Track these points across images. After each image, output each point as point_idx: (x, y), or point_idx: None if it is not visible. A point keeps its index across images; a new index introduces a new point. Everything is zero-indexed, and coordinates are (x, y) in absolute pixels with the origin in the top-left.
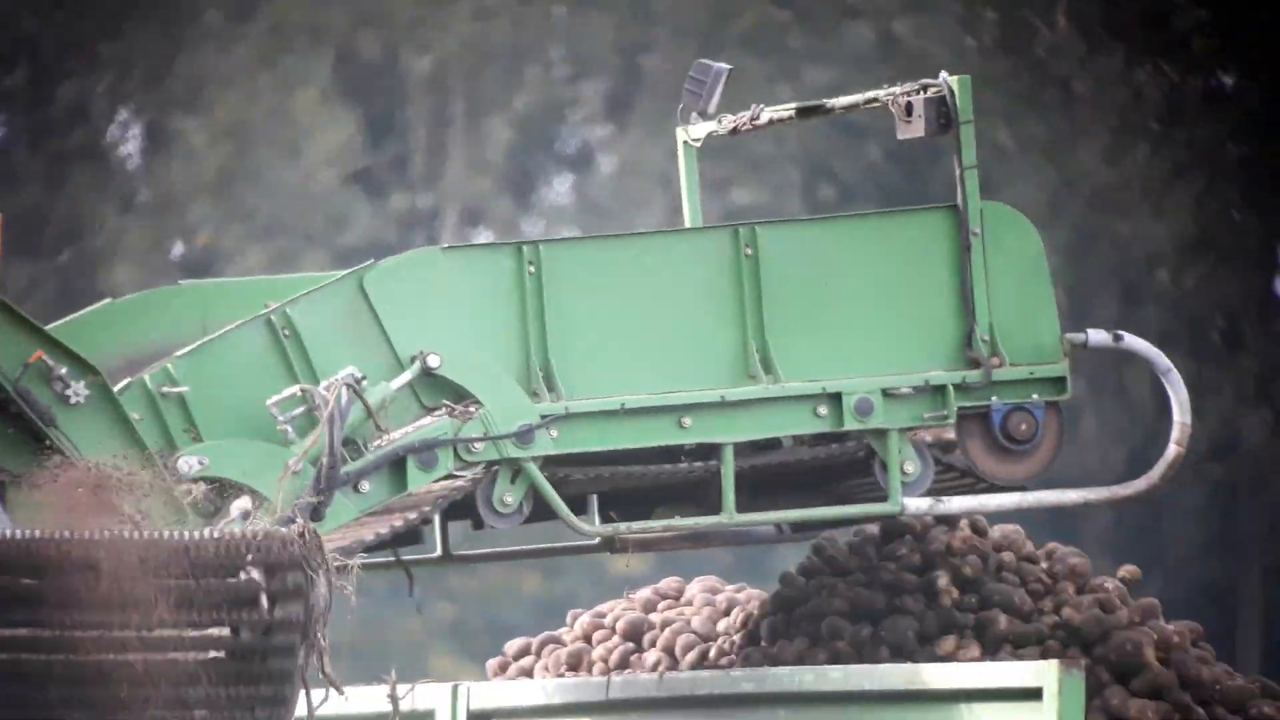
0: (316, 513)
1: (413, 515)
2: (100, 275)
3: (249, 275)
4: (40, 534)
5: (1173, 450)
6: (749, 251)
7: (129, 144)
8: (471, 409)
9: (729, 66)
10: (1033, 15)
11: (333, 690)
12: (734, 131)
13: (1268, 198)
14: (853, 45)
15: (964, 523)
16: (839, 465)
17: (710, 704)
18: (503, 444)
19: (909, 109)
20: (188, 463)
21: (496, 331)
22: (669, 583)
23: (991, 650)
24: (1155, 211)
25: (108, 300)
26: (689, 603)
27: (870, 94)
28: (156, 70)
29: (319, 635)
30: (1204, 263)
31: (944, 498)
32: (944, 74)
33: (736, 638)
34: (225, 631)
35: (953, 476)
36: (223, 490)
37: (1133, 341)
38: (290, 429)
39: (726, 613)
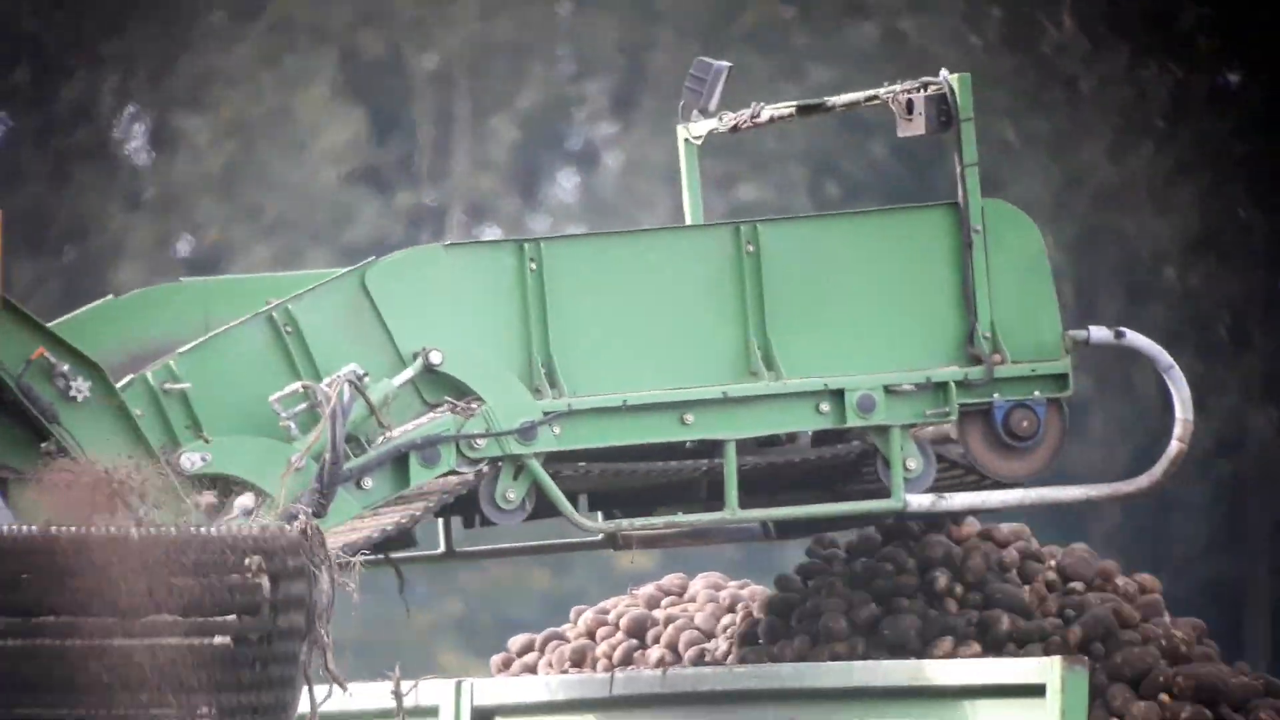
0: (319, 509)
1: (418, 510)
2: (105, 273)
3: (254, 273)
4: (42, 531)
5: (1175, 447)
6: (750, 249)
7: (134, 142)
8: (474, 405)
9: (729, 64)
10: (1038, 13)
11: (336, 686)
12: (735, 129)
13: (1273, 195)
14: (857, 43)
15: (966, 521)
16: (840, 465)
17: (713, 700)
18: (505, 440)
19: (910, 107)
20: (190, 459)
21: (498, 328)
22: (672, 579)
23: (994, 650)
24: (1160, 209)
25: (109, 297)
26: (692, 599)
27: (871, 92)
28: (161, 68)
29: (322, 631)
30: (1209, 260)
31: (946, 494)
32: (944, 72)
33: (735, 637)
34: (227, 628)
35: (957, 474)
36: (225, 487)
37: (1134, 338)
38: (293, 425)
39: (730, 609)
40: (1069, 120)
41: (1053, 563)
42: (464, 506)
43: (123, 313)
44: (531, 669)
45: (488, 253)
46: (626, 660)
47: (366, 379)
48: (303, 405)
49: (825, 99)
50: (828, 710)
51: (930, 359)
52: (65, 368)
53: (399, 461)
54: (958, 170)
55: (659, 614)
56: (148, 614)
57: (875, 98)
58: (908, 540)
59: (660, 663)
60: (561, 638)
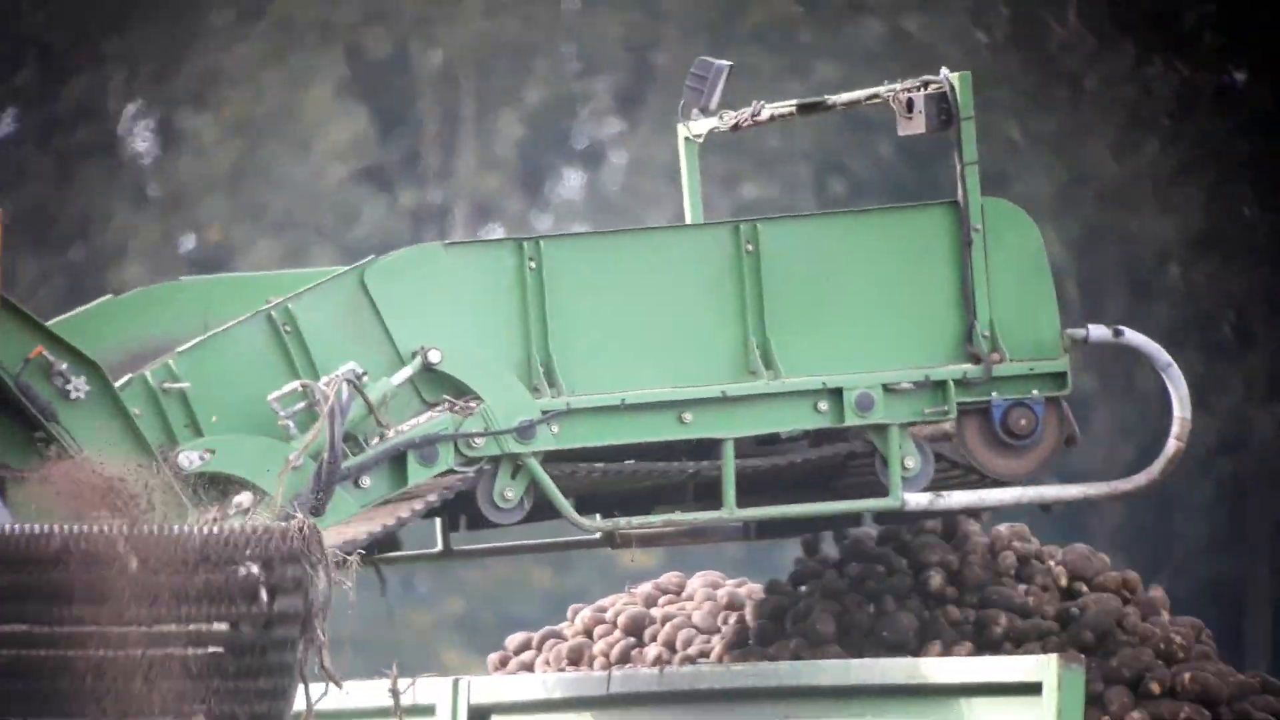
0: (316, 508)
1: (419, 506)
2: (110, 271)
3: (259, 271)
4: (40, 529)
5: (1173, 445)
6: (750, 248)
7: (139, 140)
8: (472, 404)
9: (729, 63)
10: (1043, 11)
11: (332, 685)
12: (735, 128)
13: (1277, 194)
14: (863, 41)
15: (963, 521)
16: (830, 465)
17: (710, 698)
18: (503, 439)
19: (910, 105)
20: (188, 458)
21: (498, 327)
22: (670, 577)
23: (991, 651)
24: (1165, 207)
25: (109, 296)
26: (690, 597)
27: (871, 90)
28: (166, 67)
29: (318, 630)
30: (1213, 258)
31: (944, 493)
32: (945, 70)
33: (726, 640)
34: (224, 626)
35: (958, 473)
36: (224, 486)
37: (1133, 336)
38: (291, 424)
39: (728, 607)
40: (1073, 118)
41: (1052, 563)
42: (460, 507)
43: (122, 312)
44: (529, 667)
45: (487, 251)
46: (624, 659)
47: (365, 378)
48: (301, 404)
49: (826, 97)
50: (824, 708)
51: (929, 358)
52: (64, 366)
53: (397, 460)
54: (957, 169)
55: (656, 612)
56: (143, 613)
57: (876, 96)
58: (901, 541)
59: (658, 661)
60: (559, 636)
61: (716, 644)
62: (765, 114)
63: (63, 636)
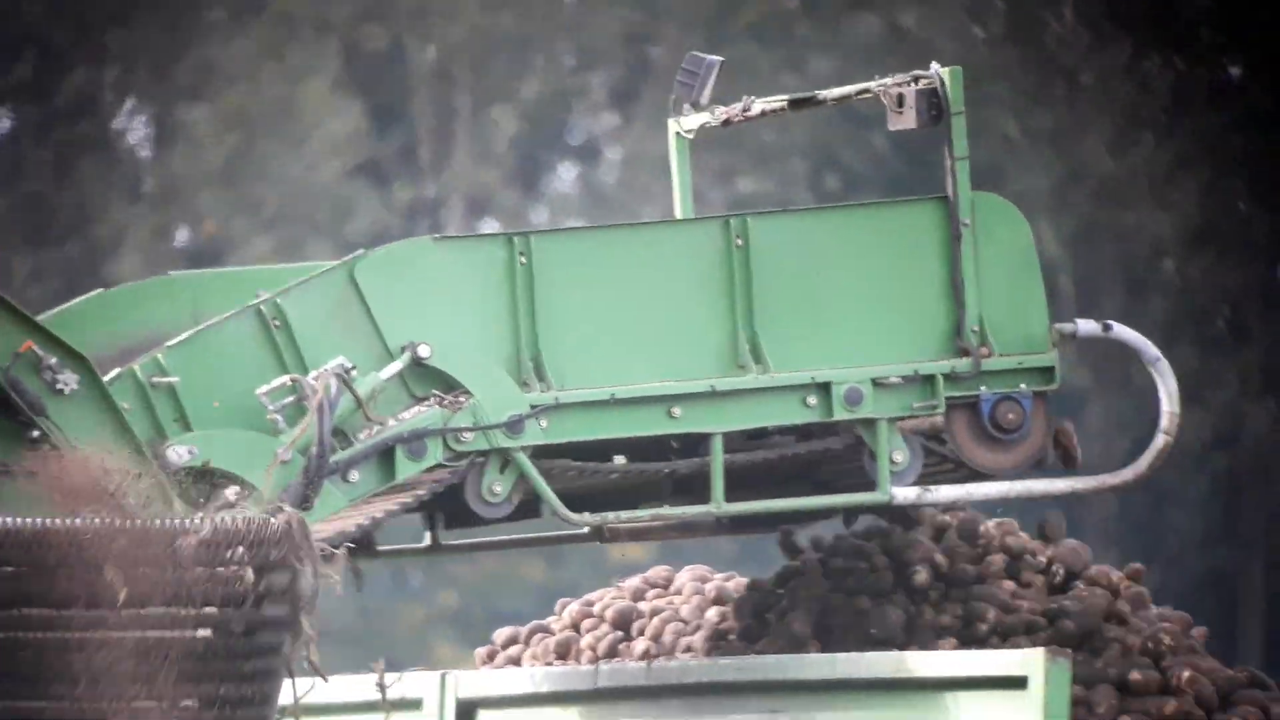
0: (304, 502)
1: (408, 500)
2: (106, 266)
3: (255, 265)
4: (28, 523)
5: (1161, 440)
6: (739, 242)
7: (135, 134)
8: (461, 399)
9: (720, 59)
10: (1040, 7)
11: (319, 679)
12: (726, 123)
13: (1273, 189)
14: (860, 36)
15: (949, 515)
16: (815, 459)
17: (698, 692)
18: (492, 434)
19: (900, 100)
20: (177, 452)
21: (487, 322)
22: (658, 571)
23: (977, 646)
24: (1161, 202)
25: (99, 290)
26: (678, 591)
27: (862, 85)
28: (162, 61)
29: (305, 624)
30: (1209, 253)
31: (932, 487)
32: (935, 65)
33: (707, 638)
34: (211, 619)
35: (947, 468)
36: (212, 480)
37: (1122, 331)
38: (280, 418)
39: (715, 602)
40: (1070, 114)
41: (1041, 557)
42: (441, 505)
43: (112, 306)
44: (516, 661)
45: (477, 246)
46: (611, 653)
47: (354, 372)
48: (290, 398)
49: (816, 92)
50: (811, 702)
51: (919, 352)
52: (53, 360)
53: (385, 455)
54: (948, 164)
55: (644, 606)
56: (132, 605)
57: (866, 91)
58: (886, 538)
59: (645, 655)
60: (546, 630)
61: (702, 638)
62: (756, 109)
63: (47, 630)
